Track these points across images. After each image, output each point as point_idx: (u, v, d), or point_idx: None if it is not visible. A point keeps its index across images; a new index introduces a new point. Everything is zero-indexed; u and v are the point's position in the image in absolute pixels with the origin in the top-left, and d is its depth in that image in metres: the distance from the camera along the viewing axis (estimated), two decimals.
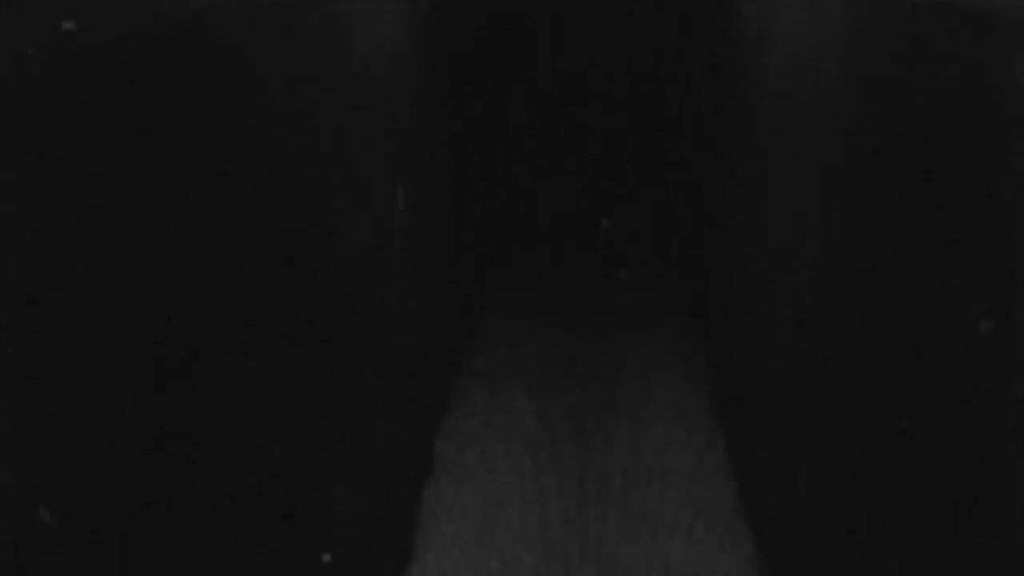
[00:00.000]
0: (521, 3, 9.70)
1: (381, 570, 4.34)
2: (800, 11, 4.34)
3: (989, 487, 2.49)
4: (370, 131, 4.19)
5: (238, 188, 2.74)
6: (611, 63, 9.78)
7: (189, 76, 2.45)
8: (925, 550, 2.88)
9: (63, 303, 1.95)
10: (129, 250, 2.20)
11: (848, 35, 3.67)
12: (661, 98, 9.59)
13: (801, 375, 4.23)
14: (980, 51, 2.54)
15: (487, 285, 8.42)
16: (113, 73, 2.12)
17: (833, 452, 3.73)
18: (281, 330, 3.09)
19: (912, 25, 3.01)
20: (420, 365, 5.43)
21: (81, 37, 2.02)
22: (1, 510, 1.81)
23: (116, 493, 2.13)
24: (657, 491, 5.30)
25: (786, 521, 4.45)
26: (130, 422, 2.20)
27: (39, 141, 1.91)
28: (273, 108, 3.00)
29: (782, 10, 4.68)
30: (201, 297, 2.53)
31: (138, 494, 2.22)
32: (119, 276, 2.15)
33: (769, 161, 4.91)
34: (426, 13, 5.49)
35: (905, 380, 3.02)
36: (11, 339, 1.80)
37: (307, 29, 3.33)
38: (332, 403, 3.63)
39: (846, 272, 3.60)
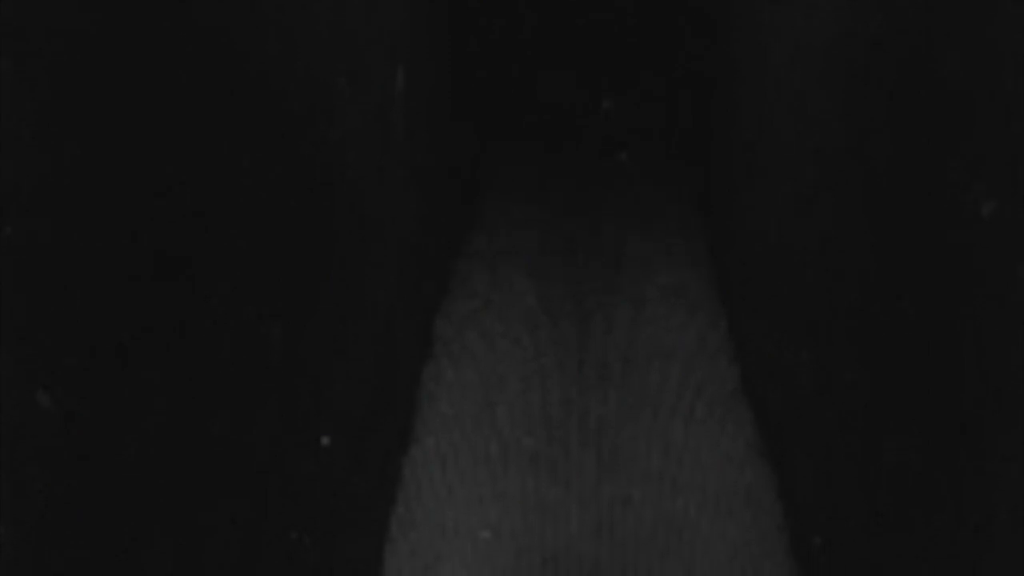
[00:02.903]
0: None
1: (381, 452, 4.36)
2: None
3: (991, 367, 2.49)
4: (370, 11, 4.15)
5: (238, 68, 2.72)
6: None
7: None
8: (925, 433, 2.88)
9: (63, 184, 1.93)
10: (130, 132, 2.18)
11: None
12: None
13: (803, 258, 4.23)
14: None
15: (487, 167, 8.40)
16: None
17: (834, 335, 3.74)
18: (281, 213, 3.08)
19: None
20: (420, 247, 5.43)
21: None
22: None
23: (115, 377, 2.13)
24: (658, 372, 5.31)
25: (787, 403, 4.47)
26: (129, 304, 2.19)
27: (39, 26, 1.89)
28: None
29: None
30: (201, 180, 2.52)
31: (137, 378, 2.22)
32: (120, 158, 2.13)
33: (770, 44, 4.88)
34: None
35: (907, 262, 3.01)
36: (10, 220, 1.79)
37: None
38: (332, 285, 3.62)
39: (848, 155, 3.58)
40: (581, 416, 4.89)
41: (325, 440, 3.52)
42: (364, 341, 4.10)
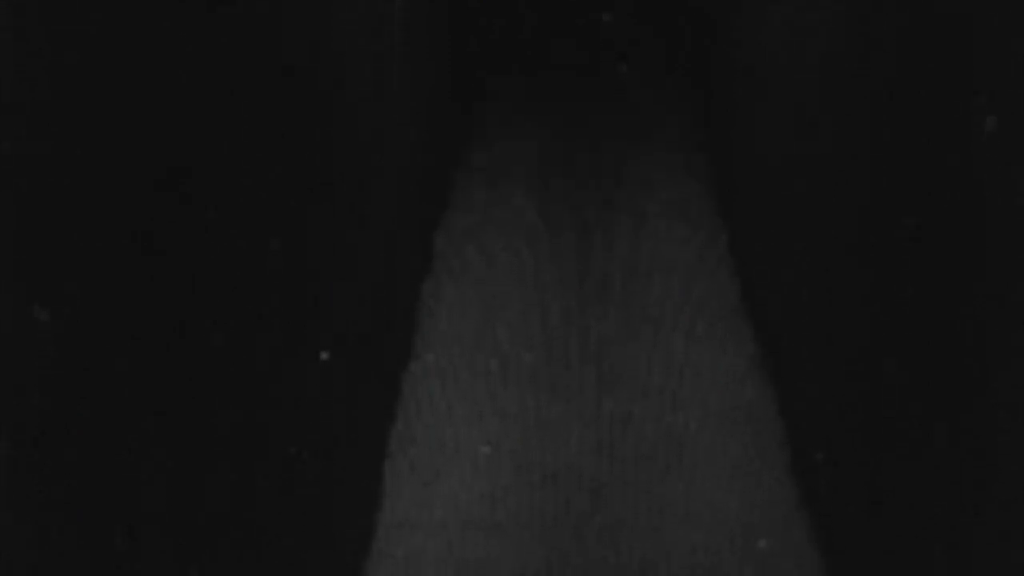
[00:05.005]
0: None
1: (380, 369, 4.37)
2: None
3: (994, 282, 2.51)
4: None
5: None
6: None
7: None
8: (927, 348, 2.90)
9: (60, 99, 1.94)
10: (128, 51, 2.18)
11: None
12: None
13: (804, 173, 4.23)
14: None
15: (486, 80, 8.39)
16: None
17: (835, 251, 3.74)
18: (278, 126, 3.09)
19: None
20: (418, 161, 5.43)
21: None
22: None
23: (111, 289, 2.14)
24: (658, 288, 5.31)
25: (788, 319, 4.48)
26: (127, 216, 2.20)
27: None
28: None
29: None
30: (198, 92, 2.53)
31: (133, 289, 2.23)
32: (118, 77, 2.14)
33: None
34: None
35: (909, 177, 3.02)
36: (7, 132, 1.81)
37: None
38: (330, 199, 3.63)
39: (850, 69, 3.58)
40: (581, 332, 4.89)
41: (324, 355, 3.53)
42: (363, 255, 4.10)
